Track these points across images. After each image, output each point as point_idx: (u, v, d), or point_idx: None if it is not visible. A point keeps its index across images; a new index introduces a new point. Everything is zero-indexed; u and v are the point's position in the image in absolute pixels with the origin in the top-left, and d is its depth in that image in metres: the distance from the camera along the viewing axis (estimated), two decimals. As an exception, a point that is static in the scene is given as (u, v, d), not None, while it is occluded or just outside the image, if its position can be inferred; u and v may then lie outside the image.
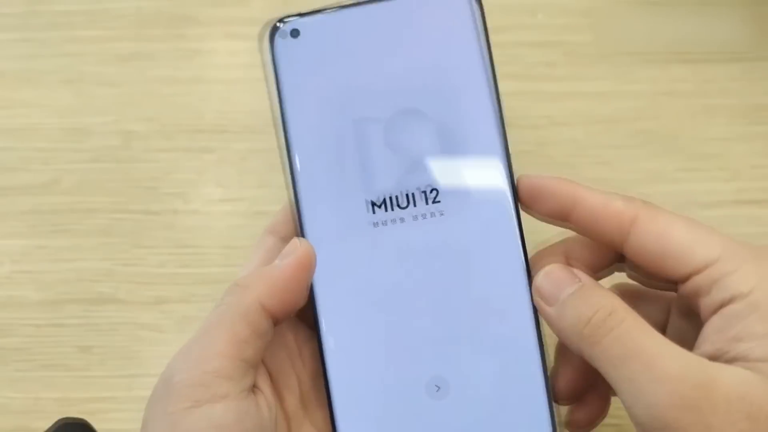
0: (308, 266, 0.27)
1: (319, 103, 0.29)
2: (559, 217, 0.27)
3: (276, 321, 0.27)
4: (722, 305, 0.24)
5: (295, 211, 0.28)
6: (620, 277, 0.30)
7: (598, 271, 0.29)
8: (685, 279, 0.25)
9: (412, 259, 0.28)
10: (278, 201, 0.39)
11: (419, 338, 0.27)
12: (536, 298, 0.26)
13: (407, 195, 0.28)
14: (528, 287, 0.27)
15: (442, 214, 0.28)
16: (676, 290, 0.27)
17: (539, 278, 0.26)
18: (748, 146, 0.40)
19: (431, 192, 0.28)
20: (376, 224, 0.28)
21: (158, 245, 0.39)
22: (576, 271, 0.26)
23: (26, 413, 0.37)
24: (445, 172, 0.28)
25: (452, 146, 0.28)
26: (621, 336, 0.23)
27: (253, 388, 0.26)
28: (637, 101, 0.41)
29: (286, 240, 0.28)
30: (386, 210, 0.28)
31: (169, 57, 0.42)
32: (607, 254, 0.29)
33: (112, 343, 0.38)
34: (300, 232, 0.28)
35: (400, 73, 0.28)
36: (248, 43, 0.43)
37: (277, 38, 0.29)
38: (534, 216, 0.28)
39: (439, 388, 0.27)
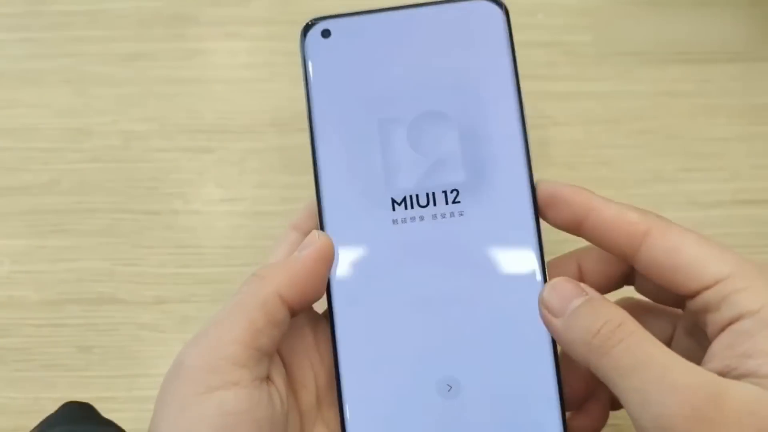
0: (327, 258, 0.28)
1: (346, 101, 0.29)
2: (573, 225, 0.27)
3: (293, 312, 0.27)
4: (731, 322, 0.24)
5: (317, 205, 0.29)
6: (629, 291, 0.30)
7: (609, 282, 0.29)
8: (694, 294, 0.25)
9: (430, 257, 0.28)
10: (278, 201, 0.40)
11: (433, 337, 0.27)
12: (543, 311, 0.26)
13: (428, 194, 0.28)
14: (539, 277, 0.27)
15: (461, 215, 0.28)
16: (683, 307, 0.27)
17: (546, 291, 0.26)
18: (748, 146, 0.40)
19: (452, 192, 0.28)
20: (395, 221, 0.28)
21: (158, 245, 0.39)
22: (582, 285, 0.26)
23: (26, 413, 0.37)
24: (466, 173, 0.28)
25: (475, 149, 0.28)
26: (630, 346, 0.23)
27: (267, 379, 0.26)
28: (637, 101, 0.41)
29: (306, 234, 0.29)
30: (407, 208, 0.28)
31: (169, 57, 0.42)
32: (619, 266, 0.29)
33: (112, 343, 0.38)
34: (321, 226, 0.29)
35: (426, 77, 0.29)
36: (248, 43, 0.43)
37: (309, 37, 0.30)
38: (547, 222, 0.28)
39: (450, 387, 0.27)
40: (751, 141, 0.40)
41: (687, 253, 0.25)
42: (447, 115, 0.29)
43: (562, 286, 0.25)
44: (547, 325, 0.26)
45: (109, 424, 0.27)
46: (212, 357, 0.25)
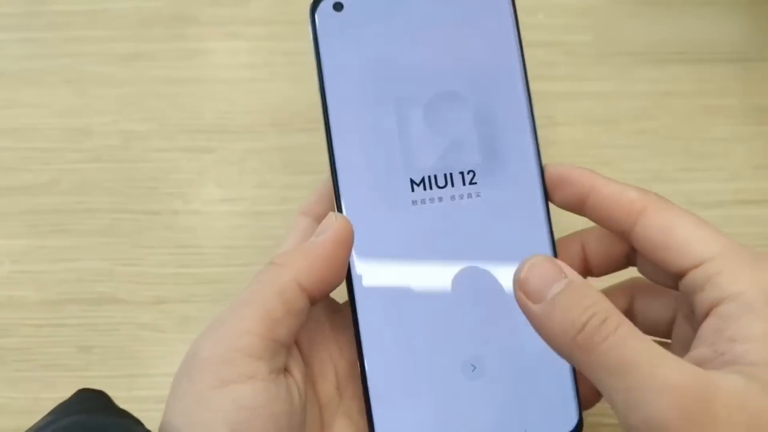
0: (346, 241, 0.27)
1: (360, 78, 0.28)
2: (577, 204, 0.28)
3: (313, 301, 0.26)
4: (715, 304, 0.24)
5: (333, 187, 0.28)
6: (633, 272, 0.30)
7: (612, 262, 0.29)
8: (684, 273, 0.25)
9: (450, 238, 0.28)
10: (278, 201, 0.40)
11: (456, 318, 0.27)
12: (519, 293, 0.24)
13: (446, 175, 0.28)
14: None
15: (478, 195, 0.28)
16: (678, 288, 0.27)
17: (524, 270, 0.24)
18: (748, 146, 0.40)
19: (468, 173, 0.28)
20: (415, 202, 0.28)
21: (158, 245, 0.39)
22: (562, 264, 0.24)
23: (26, 413, 0.37)
24: (481, 155, 0.28)
25: (488, 131, 0.28)
26: (617, 344, 0.22)
27: (284, 371, 0.26)
28: (637, 101, 0.41)
29: (320, 220, 0.28)
30: (425, 189, 0.28)
31: (169, 57, 0.42)
32: (622, 246, 0.29)
33: (112, 343, 0.38)
34: (338, 208, 0.28)
35: (440, 55, 0.29)
36: (248, 43, 0.43)
37: (320, 10, 0.29)
38: (553, 203, 0.29)
39: (475, 367, 0.27)
40: (751, 141, 0.40)
41: (678, 231, 0.25)
42: (461, 95, 0.28)
43: (541, 266, 0.24)
44: (524, 310, 0.24)
45: (126, 415, 0.26)
46: (227, 348, 0.24)
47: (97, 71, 0.42)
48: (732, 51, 0.42)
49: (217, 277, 0.39)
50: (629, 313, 0.30)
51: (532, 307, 0.23)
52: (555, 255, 0.28)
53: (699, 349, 0.24)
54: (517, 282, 0.24)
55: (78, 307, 0.38)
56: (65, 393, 0.37)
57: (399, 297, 0.27)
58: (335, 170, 0.28)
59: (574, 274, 0.24)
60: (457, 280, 0.27)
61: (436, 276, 0.27)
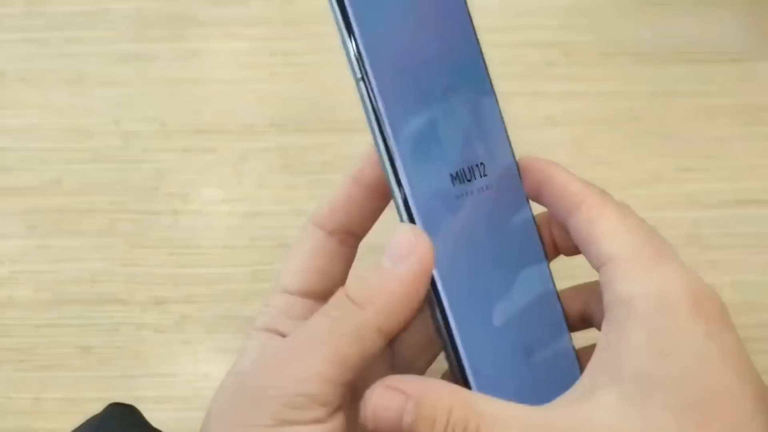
0: (429, 270, 0.24)
1: (401, 64, 0.27)
2: (535, 192, 0.28)
3: (388, 341, 0.24)
4: (608, 308, 0.24)
5: (396, 191, 0.26)
6: None
7: (570, 322, 0.29)
8: (598, 269, 0.25)
9: (482, 230, 0.27)
10: (278, 201, 0.40)
11: (504, 299, 0.27)
12: None
13: (470, 168, 0.27)
14: (542, 251, 0.28)
15: (489, 188, 0.28)
16: None
17: (368, 411, 0.23)
18: (748, 146, 0.40)
19: (480, 165, 0.28)
20: (458, 197, 0.27)
21: (158, 245, 0.39)
22: (399, 383, 0.23)
23: (26, 413, 0.37)
24: (484, 146, 0.28)
25: (477, 122, 0.28)
26: None
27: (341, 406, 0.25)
28: (637, 101, 0.41)
29: (336, 235, 0.27)
30: (461, 182, 0.27)
31: (169, 57, 0.42)
32: (574, 306, 0.29)
33: (113, 343, 0.38)
34: (408, 216, 0.26)
35: (435, 48, 0.28)
36: (248, 43, 0.43)
37: None
38: None
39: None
40: (751, 141, 0.40)
41: (596, 228, 0.25)
42: (455, 86, 0.28)
43: (381, 399, 0.23)
44: None
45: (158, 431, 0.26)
46: (295, 392, 0.23)
47: (97, 71, 0.42)
48: (732, 51, 0.42)
49: (217, 277, 0.39)
50: (585, 315, 0.29)
51: None
52: (540, 237, 0.28)
53: (591, 363, 0.24)
54: (370, 422, 0.23)
55: (78, 307, 0.38)
56: (65, 393, 0.37)
57: (469, 285, 0.27)
58: (397, 173, 0.26)
59: (412, 388, 0.23)
60: (490, 267, 0.27)
61: (478, 266, 0.27)
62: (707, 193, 0.39)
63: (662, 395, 0.22)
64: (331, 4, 0.26)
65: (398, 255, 0.24)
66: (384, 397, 0.23)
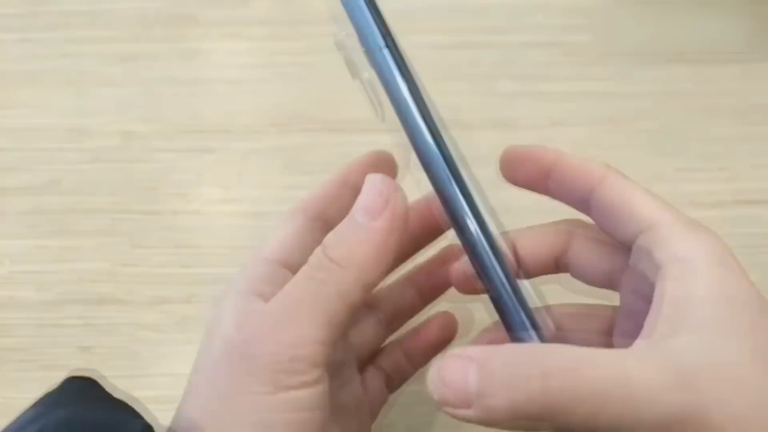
0: (405, 218, 0.24)
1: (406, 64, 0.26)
2: (539, 178, 0.27)
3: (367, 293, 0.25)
4: (662, 266, 0.24)
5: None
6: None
7: (542, 265, 0.29)
8: (635, 236, 0.26)
9: None
10: (278, 201, 0.40)
11: None
12: (449, 411, 0.22)
13: None
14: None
15: None
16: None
17: (435, 382, 0.22)
18: (748, 146, 0.40)
19: None
20: None
21: (158, 245, 0.39)
22: (460, 351, 0.22)
23: (26, 413, 0.37)
24: None
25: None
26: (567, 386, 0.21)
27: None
28: (637, 101, 0.41)
29: (317, 218, 0.27)
30: None
31: (169, 57, 0.42)
32: (553, 248, 0.29)
33: (113, 343, 0.38)
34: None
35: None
36: (248, 43, 0.43)
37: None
38: (515, 183, 0.28)
39: None
40: (751, 141, 0.40)
41: (632, 198, 0.26)
42: None
43: (449, 369, 0.22)
44: (460, 419, 0.22)
45: (121, 404, 0.25)
46: (289, 355, 0.23)
47: (97, 71, 0.42)
48: (732, 51, 0.42)
49: (217, 277, 0.39)
50: (564, 256, 0.29)
51: (466, 414, 0.21)
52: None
53: (653, 321, 0.24)
54: (438, 397, 0.22)
55: (78, 307, 0.38)
56: (65, 393, 0.36)
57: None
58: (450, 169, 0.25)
59: (477, 352, 0.22)
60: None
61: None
62: (707, 193, 0.39)
63: (737, 340, 0.22)
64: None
65: (372, 209, 0.24)
66: (449, 364, 0.22)
